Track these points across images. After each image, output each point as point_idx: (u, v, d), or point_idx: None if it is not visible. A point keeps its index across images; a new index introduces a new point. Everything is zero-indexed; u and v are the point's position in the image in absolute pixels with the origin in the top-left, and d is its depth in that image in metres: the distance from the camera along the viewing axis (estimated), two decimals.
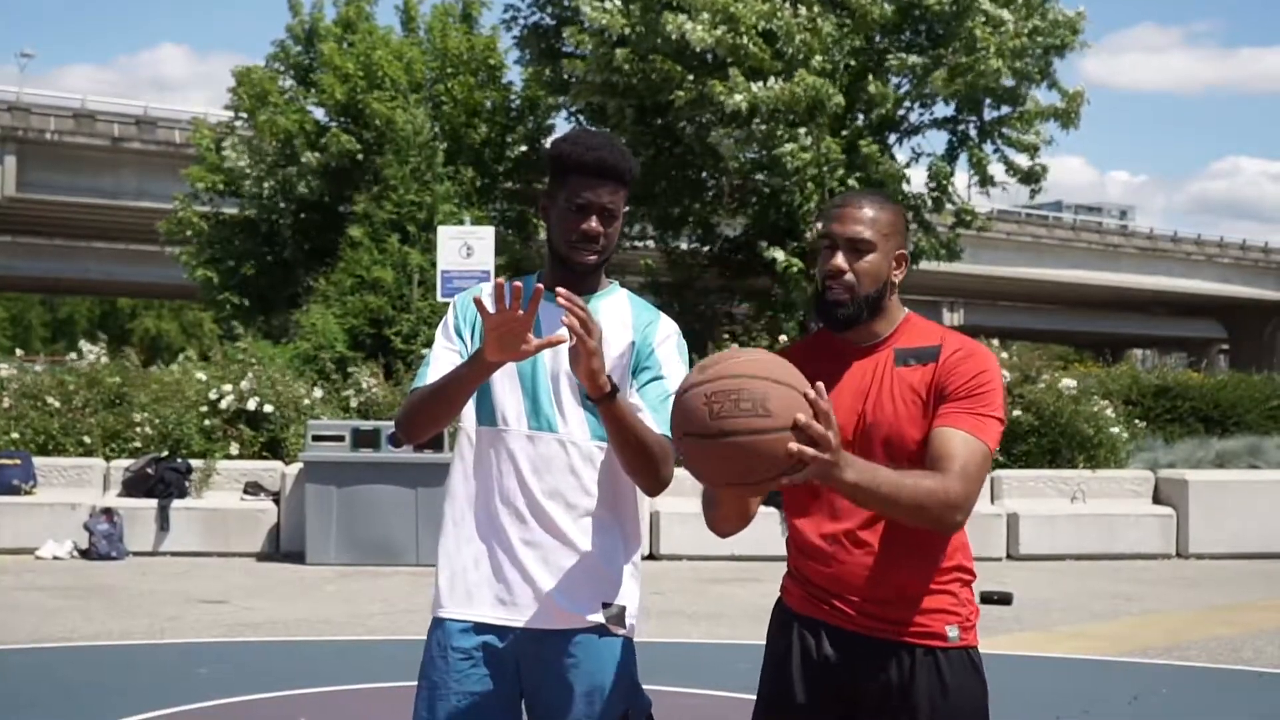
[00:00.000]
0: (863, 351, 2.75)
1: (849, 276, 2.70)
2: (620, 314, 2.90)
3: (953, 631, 2.71)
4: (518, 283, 2.60)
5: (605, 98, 19.51)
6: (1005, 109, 19.73)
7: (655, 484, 2.82)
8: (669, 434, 2.80)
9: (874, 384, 2.71)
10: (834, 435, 2.35)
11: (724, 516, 2.71)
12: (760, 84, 17.62)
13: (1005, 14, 18.44)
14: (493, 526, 2.84)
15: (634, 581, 2.90)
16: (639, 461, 2.77)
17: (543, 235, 3.18)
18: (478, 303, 2.62)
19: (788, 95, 17.44)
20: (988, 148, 19.93)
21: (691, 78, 18.12)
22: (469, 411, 2.90)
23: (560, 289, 2.64)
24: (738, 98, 17.40)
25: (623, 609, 2.85)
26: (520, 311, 2.58)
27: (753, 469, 2.33)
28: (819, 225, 2.85)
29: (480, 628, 2.84)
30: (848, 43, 18.30)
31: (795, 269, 18.29)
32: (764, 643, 2.88)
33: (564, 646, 2.81)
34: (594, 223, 2.81)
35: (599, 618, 2.82)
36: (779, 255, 18.26)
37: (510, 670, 2.84)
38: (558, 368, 2.82)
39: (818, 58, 17.85)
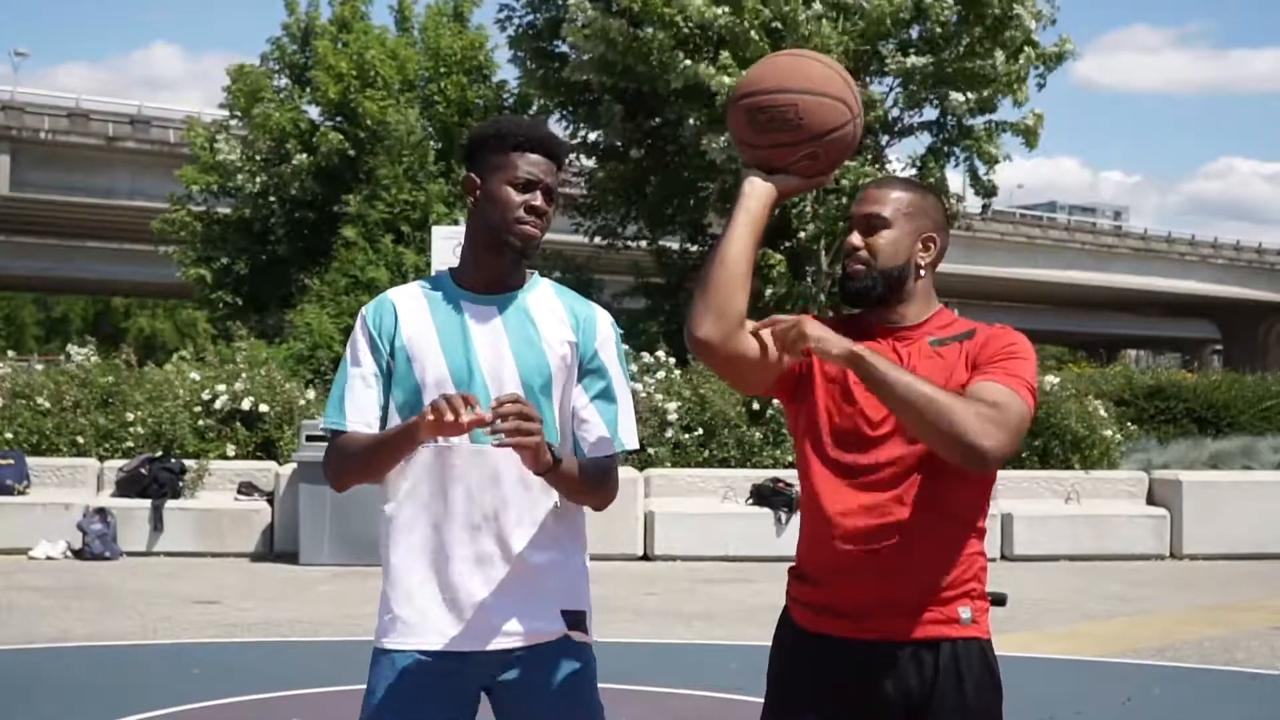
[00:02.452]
0: (894, 333, 2.72)
1: (863, 252, 2.71)
2: (551, 308, 2.80)
3: (965, 612, 2.66)
4: (470, 396, 2.51)
5: (598, 74, 19.15)
6: (981, 118, 19.76)
7: (601, 507, 2.82)
8: (618, 442, 2.79)
9: (905, 363, 2.65)
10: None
11: (727, 291, 2.61)
12: None
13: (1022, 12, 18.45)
14: (443, 547, 2.71)
15: (587, 583, 2.84)
16: (586, 499, 2.77)
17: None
18: (432, 414, 2.50)
19: None
20: (959, 153, 19.99)
21: (687, 62, 17.89)
22: None
23: (498, 411, 2.49)
24: (726, 80, 17.11)
25: (583, 614, 2.78)
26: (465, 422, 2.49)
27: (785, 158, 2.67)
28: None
29: (436, 656, 2.70)
30: (846, 42, 18.23)
31: (782, 269, 18.25)
32: (757, 644, 2.86)
33: (530, 664, 2.72)
34: (539, 199, 2.72)
35: (561, 628, 2.74)
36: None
37: (469, 700, 2.75)
38: (499, 370, 2.72)
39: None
